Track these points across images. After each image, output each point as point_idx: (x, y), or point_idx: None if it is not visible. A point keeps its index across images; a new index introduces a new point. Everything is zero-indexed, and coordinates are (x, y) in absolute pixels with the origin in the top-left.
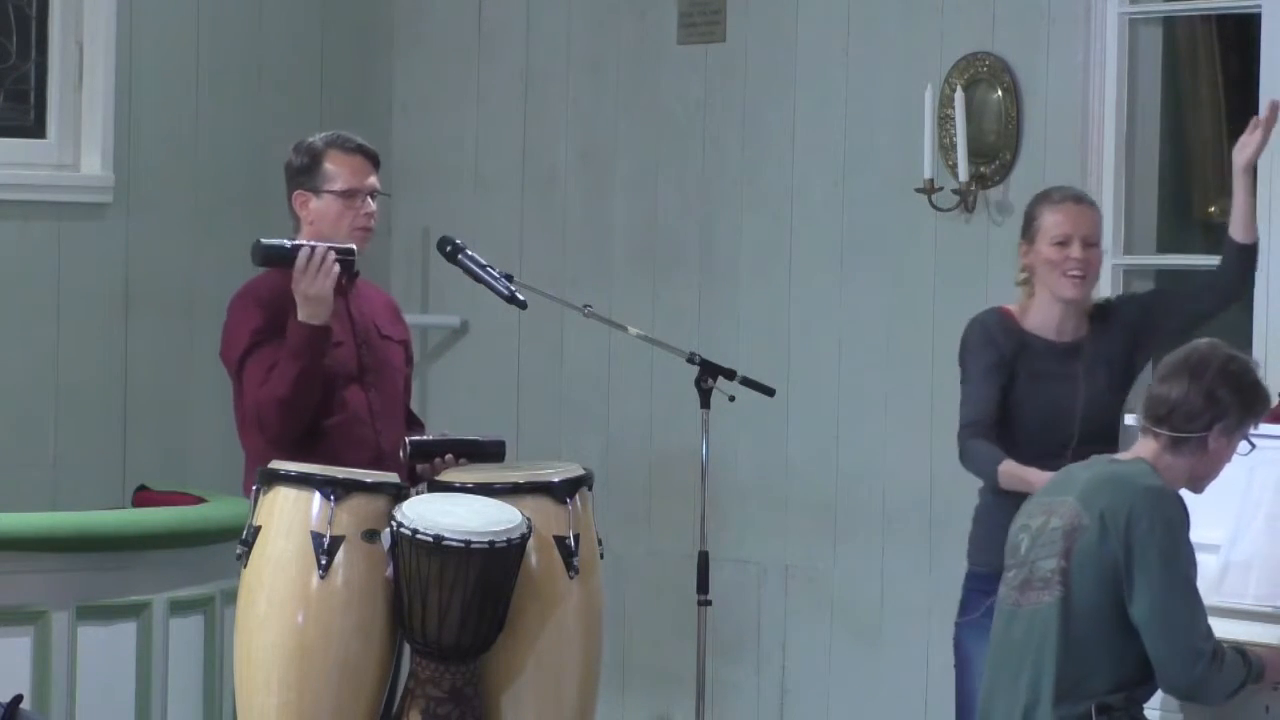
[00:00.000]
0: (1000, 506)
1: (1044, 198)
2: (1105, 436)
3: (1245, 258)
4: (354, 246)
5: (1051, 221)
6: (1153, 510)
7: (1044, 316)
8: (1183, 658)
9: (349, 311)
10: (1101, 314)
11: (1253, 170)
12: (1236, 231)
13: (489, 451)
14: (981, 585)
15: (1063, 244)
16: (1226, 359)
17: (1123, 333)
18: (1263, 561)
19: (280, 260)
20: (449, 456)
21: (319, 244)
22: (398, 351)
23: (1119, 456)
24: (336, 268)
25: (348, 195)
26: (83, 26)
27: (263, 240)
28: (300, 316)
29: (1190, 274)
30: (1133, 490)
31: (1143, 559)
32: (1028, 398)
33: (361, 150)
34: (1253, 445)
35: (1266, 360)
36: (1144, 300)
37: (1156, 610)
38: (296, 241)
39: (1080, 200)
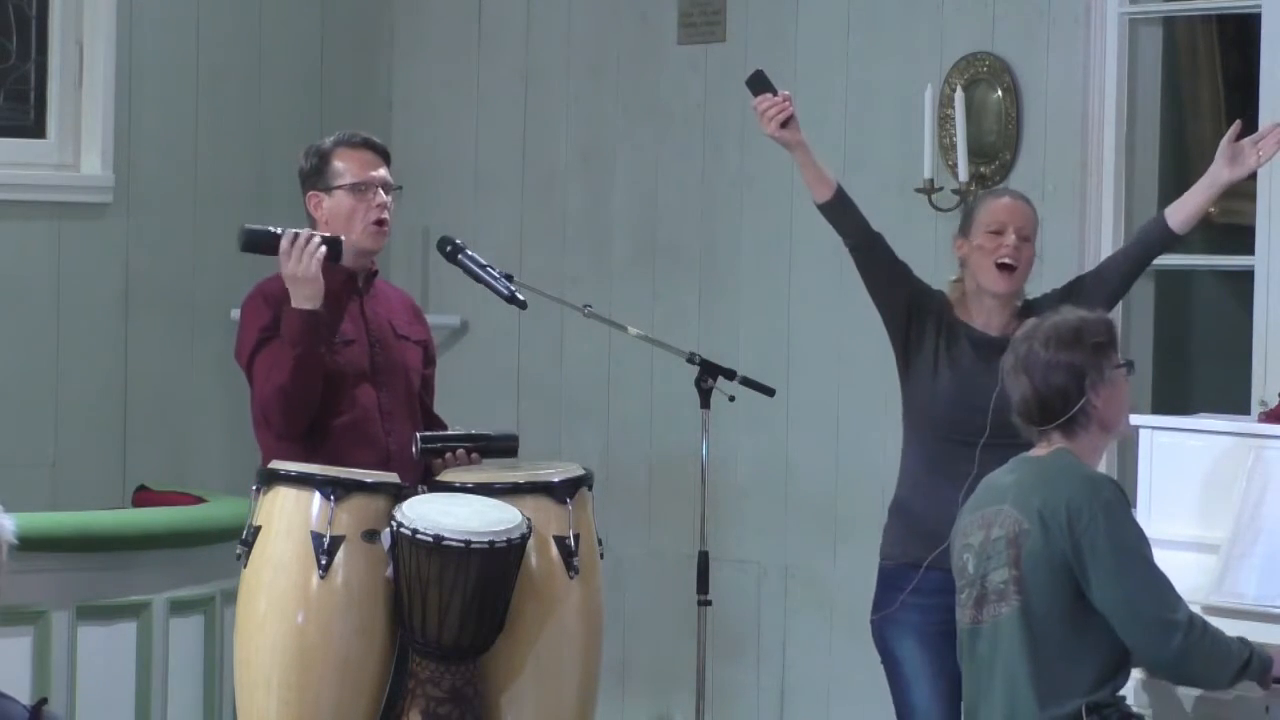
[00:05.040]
0: (915, 498)
1: (984, 193)
2: (1019, 433)
3: (1168, 244)
4: (340, 236)
5: (987, 212)
6: (1090, 500)
7: (973, 309)
8: (1156, 635)
9: (363, 310)
10: (1029, 311)
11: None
12: (1176, 220)
13: (501, 446)
14: (892, 580)
15: (997, 233)
16: (1045, 336)
17: None
18: (1263, 561)
19: (264, 244)
20: (460, 452)
21: (303, 230)
22: (414, 352)
23: (1036, 453)
24: (322, 250)
25: (358, 189)
26: (83, 26)
27: (247, 225)
28: (293, 303)
29: (1190, 274)
30: (1065, 484)
31: (1092, 551)
32: (946, 384)
33: (368, 144)
34: (1132, 371)
35: (1267, 360)
36: (1064, 293)
37: (1119, 597)
38: (280, 227)
39: (1018, 196)
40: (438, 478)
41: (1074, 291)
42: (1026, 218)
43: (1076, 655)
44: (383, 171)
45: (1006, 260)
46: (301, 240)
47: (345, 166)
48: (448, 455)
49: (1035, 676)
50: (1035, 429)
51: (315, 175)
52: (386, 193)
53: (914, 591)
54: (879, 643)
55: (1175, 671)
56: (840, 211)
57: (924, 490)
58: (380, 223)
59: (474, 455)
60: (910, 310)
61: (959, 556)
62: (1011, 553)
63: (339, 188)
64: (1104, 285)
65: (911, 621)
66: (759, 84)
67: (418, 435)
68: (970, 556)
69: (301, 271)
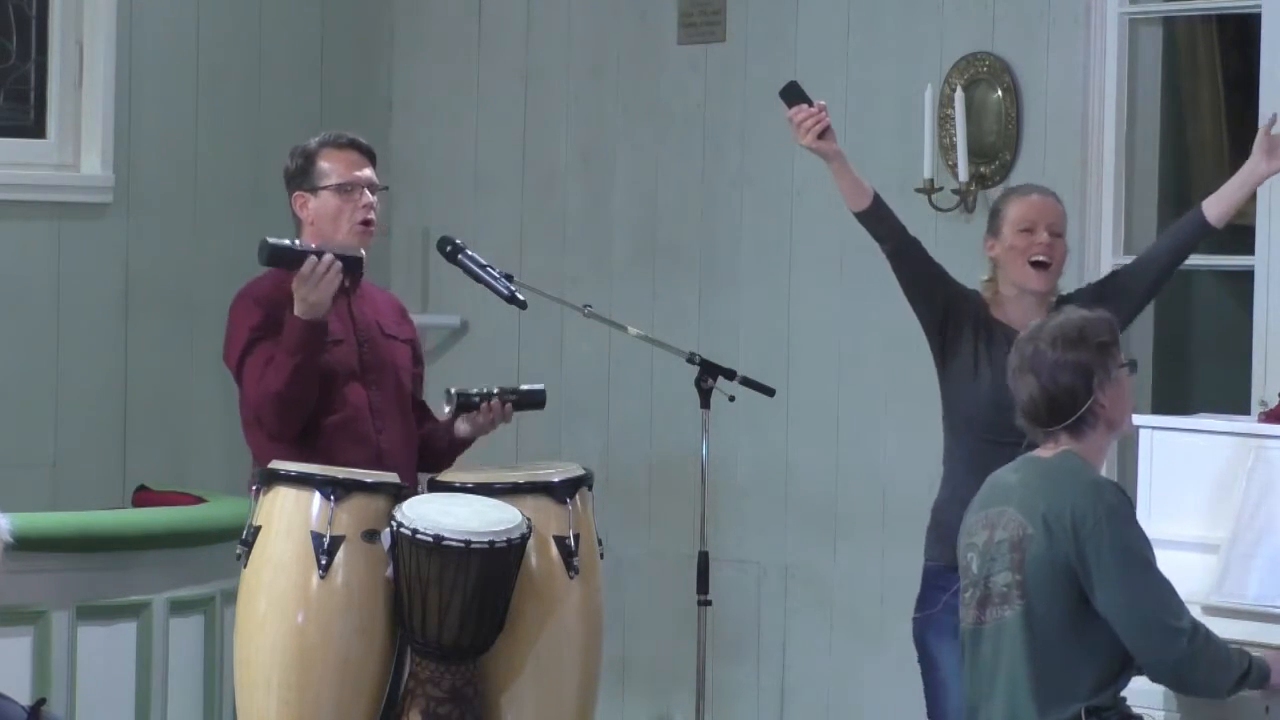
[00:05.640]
0: (956, 501)
1: (1009, 192)
2: None
3: (1204, 236)
4: (361, 254)
5: (1017, 211)
6: (1095, 504)
7: (1009, 309)
8: (1160, 640)
9: (351, 310)
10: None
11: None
12: (1213, 213)
13: (532, 399)
14: (935, 580)
15: (1028, 230)
16: (1051, 336)
17: None
18: (1263, 561)
19: (286, 262)
20: (495, 403)
21: (327, 252)
22: (403, 351)
23: (1042, 454)
24: (340, 277)
25: (344, 190)
26: (83, 26)
27: (270, 240)
28: (296, 312)
29: (1190, 274)
30: (1070, 488)
31: (1096, 555)
32: (987, 386)
33: (354, 144)
34: (1134, 370)
35: (1267, 360)
36: (1098, 288)
37: (1123, 601)
38: (305, 246)
39: (1045, 193)
40: (438, 478)
41: (1108, 286)
42: (1056, 213)
43: (1078, 659)
44: (369, 172)
45: (1041, 258)
46: (323, 267)
47: (331, 167)
48: (483, 407)
49: (1036, 680)
50: (1041, 430)
51: (301, 176)
52: (373, 193)
53: (957, 593)
54: (918, 642)
55: (1177, 678)
56: (878, 219)
57: (965, 493)
58: (367, 223)
59: (507, 406)
60: (947, 313)
61: (964, 555)
62: (1015, 557)
63: (325, 188)
64: (1139, 280)
65: (952, 623)
66: (793, 95)
67: (451, 390)
68: (974, 556)
69: (316, 298)
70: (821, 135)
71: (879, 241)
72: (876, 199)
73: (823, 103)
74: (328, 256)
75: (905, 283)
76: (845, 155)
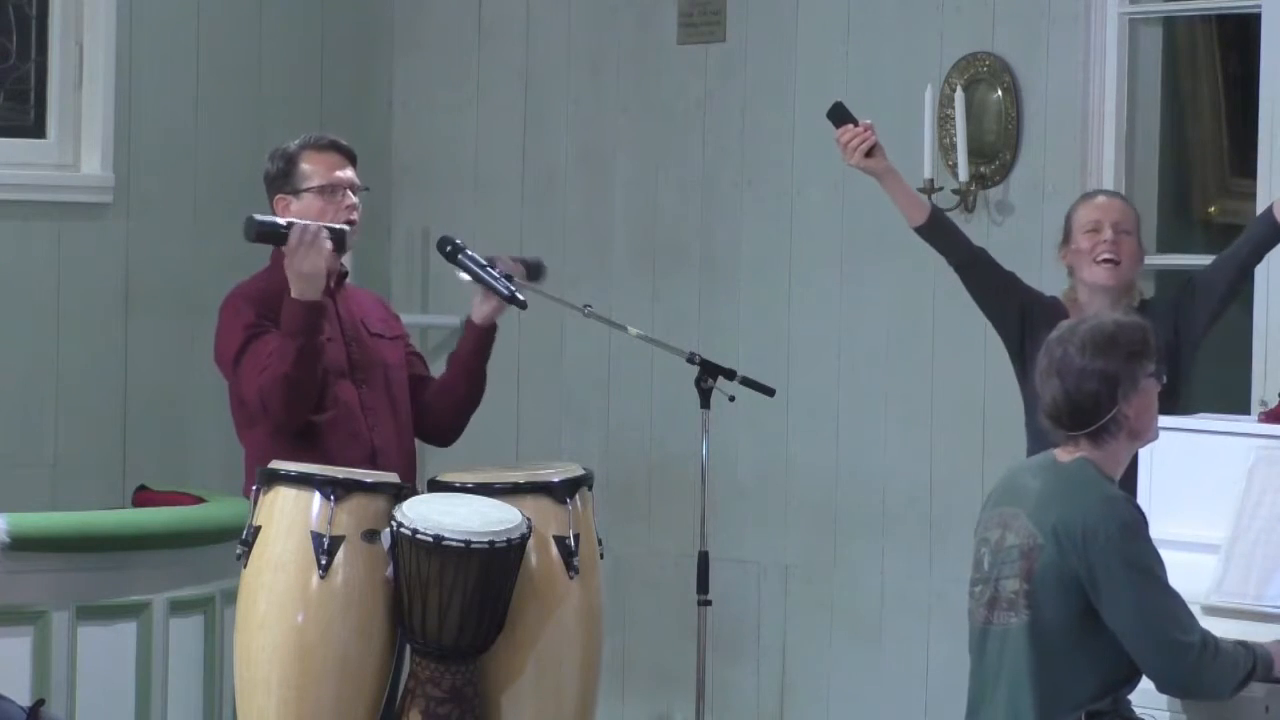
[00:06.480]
0: None
1: (1078, 199)
2: None
3: (1277, 239)
4: (346, 227)
5: (1082, 214)
6: (1107, 520)
7: (1087, 313)
8: (1169, 657)
9: (336, 310)
10: (1142, 311)
11: None
12: None
13: (537, 265)
14: None
15: (1094, 231)
16: (1081, 341)
17: (1163, 326)
18: (1263, 561)
19: (273, 237)
20: (505, 255)
21: (311, 222)
22: (391, 348)
23: (1061, 456)
24: (329, 244)
25: (326, 191)
26: (83, 26)
27: (256, 216)
28: (294, 294)
29: (1190, 274)
30: (1082, 502)
31: (1107, 570)
32: None
33: (334, 146)
34: (1163, 379)
35: (1267, 360)
36: (1176, 294)
37: (1133, 616)
38: (290, 219)
39: (1112, 195)
40: (438, 478)
41: (1185, 292)
42: (1122, 213)
43: (1082, 668)
44: (350, 172)
45: (1106, 255)
46: (310, 234)
47: (313, 169)
48: (497, 260)
49: (1039, 687)
50: (1062, 432)
51: (282, 179)
52: (354, 194)
53: None
54: None
55: (1185, 689)
56: (937, 234)
57: None
58: (350, 224)
59: (516, 264)
60: (1023, 320)
61: (977, 550)
62: (1024, 565)
63: (308, 190)
64: (1215, 285)
65: None
66: (839, 115)
67: (508, 281)
68: (987, 552)
69: (309, 266)
70: (869, 153)
71: (944, 256)
72: (934, 213)
73: (868, 121)
74: (314, 224)
75: (975, 294)
76: (897, 172)
